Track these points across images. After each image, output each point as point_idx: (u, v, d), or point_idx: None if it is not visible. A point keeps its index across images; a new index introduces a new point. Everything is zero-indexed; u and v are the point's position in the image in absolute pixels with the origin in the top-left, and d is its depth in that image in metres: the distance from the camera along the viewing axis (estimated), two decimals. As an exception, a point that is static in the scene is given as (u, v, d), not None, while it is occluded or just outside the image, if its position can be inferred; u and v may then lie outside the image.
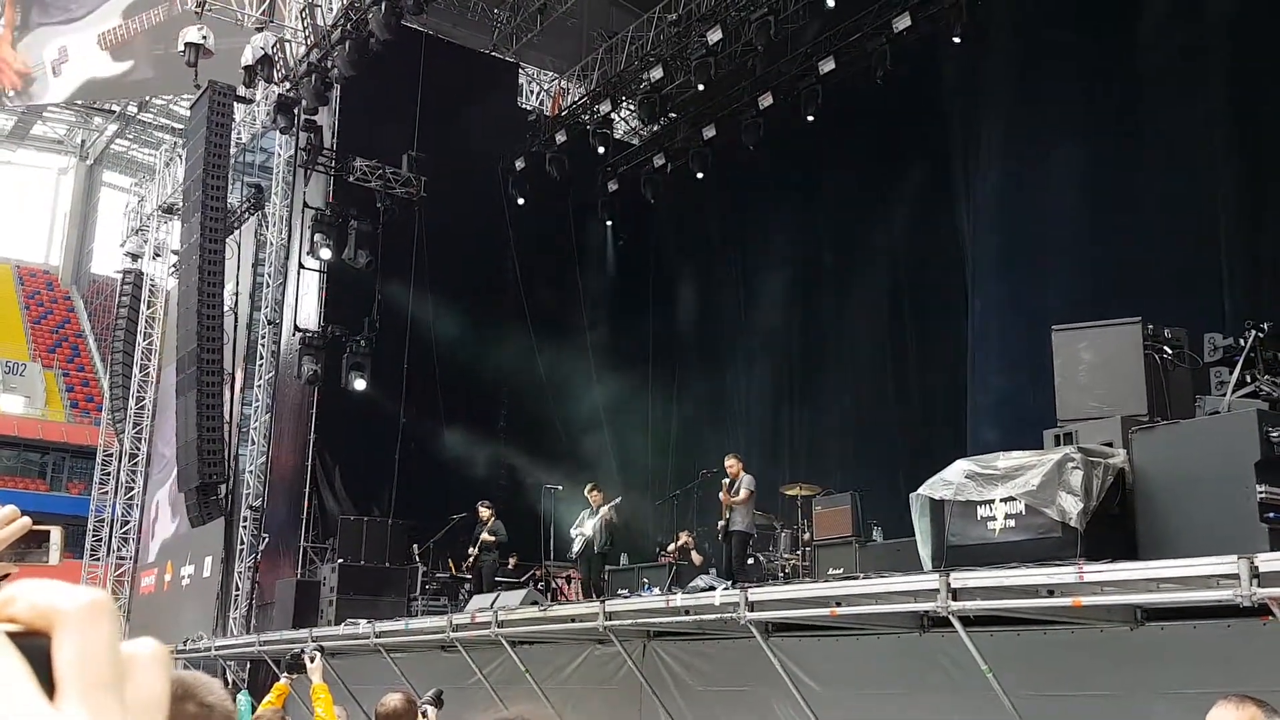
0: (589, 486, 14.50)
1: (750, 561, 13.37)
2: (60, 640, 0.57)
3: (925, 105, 17.89)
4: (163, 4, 23.25)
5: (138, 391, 27.67)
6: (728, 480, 12.64)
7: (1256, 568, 5.77)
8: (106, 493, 28.66)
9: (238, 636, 18.25)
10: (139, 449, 27.44)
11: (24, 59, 26.06)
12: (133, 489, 27.48)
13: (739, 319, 21.29)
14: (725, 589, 9.87)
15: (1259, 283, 13.26)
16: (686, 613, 9.68)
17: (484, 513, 15.55)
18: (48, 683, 0.57)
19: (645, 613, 10.29)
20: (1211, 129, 14.25)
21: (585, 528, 14.20)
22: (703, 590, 10.66)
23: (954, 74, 17.32)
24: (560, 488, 15.86)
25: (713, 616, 9.31)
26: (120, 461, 27.87)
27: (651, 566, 15.78)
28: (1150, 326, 8.17)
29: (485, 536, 15.35)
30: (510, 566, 17.60)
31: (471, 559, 15.58)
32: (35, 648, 0.57)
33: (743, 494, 12.31)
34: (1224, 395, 7.79)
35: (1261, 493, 6.77)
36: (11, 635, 0.58)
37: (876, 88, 17.51)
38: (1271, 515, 6.78)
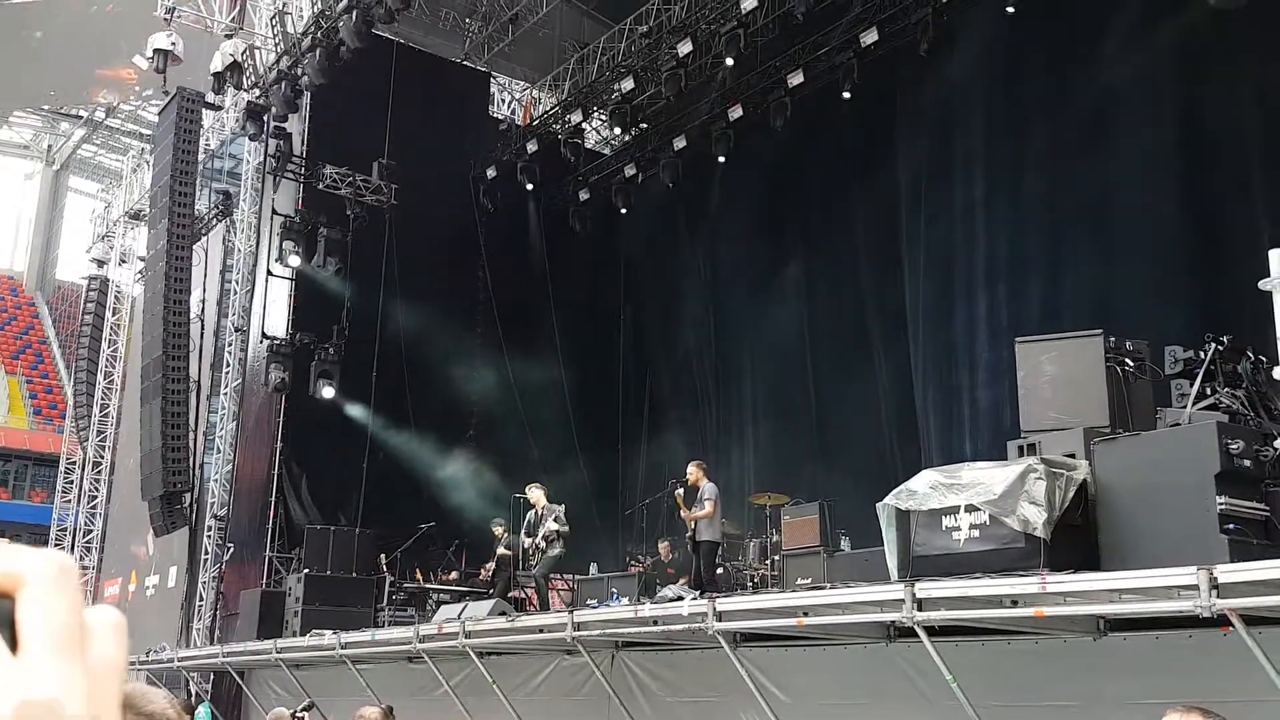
0: (529, 486, 13.56)
1: (719, 570, 13.35)
2: (24, 600, 0.58)
3: (894, 118, 18.04)
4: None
5: (102, 399, 27.39)
6: (683, 491, 12.41)
7: (1215, 579, 5.83)
8: (69, 501, 28.34)
9: (201, 647, 18.08)
10: (103, 457, 27.15)
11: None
12: (96, 497, 27.18)
13: (708, 328, 21.36)
14: (693, 599, 9.88)
15: (1219, 296, 13.45)
16: (654, 623, 9.67)
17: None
18: (11, 643, 0.58)
19: (613, 623, 10.28)
20: (1174, 147, 14.48)
21: (535, 534, 13.16)
22: (671, 600, 10.66)
23: (923, 88, 17.47)
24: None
25: (680, 627, 9.31)
26: (83, 470, 27.57)
27: (621, 576, 15.77)
28: (1112, 339, 8.27)
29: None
30: (481, 577, 17.53)
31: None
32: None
33: (707, 507, 12.20)
34: (1185, 407, 7.88)
35: (1221, 504, 6.86)
36: None
37: (845, 100, 17.66)
38: (1231, 526, 6.87)
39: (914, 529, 8.06)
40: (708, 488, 12.29)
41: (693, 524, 12.29)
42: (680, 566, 14.77)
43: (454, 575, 17.85)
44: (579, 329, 22.25)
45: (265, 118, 19.16)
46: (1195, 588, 5.89)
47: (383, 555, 16.96)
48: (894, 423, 17.53)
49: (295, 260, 18.99)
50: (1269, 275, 7.82)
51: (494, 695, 11.42)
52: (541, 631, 10.91)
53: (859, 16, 17.16)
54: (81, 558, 26.97)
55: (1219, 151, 14.19)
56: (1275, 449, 7.13)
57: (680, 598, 10.58)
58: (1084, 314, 13.11)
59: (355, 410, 19.06)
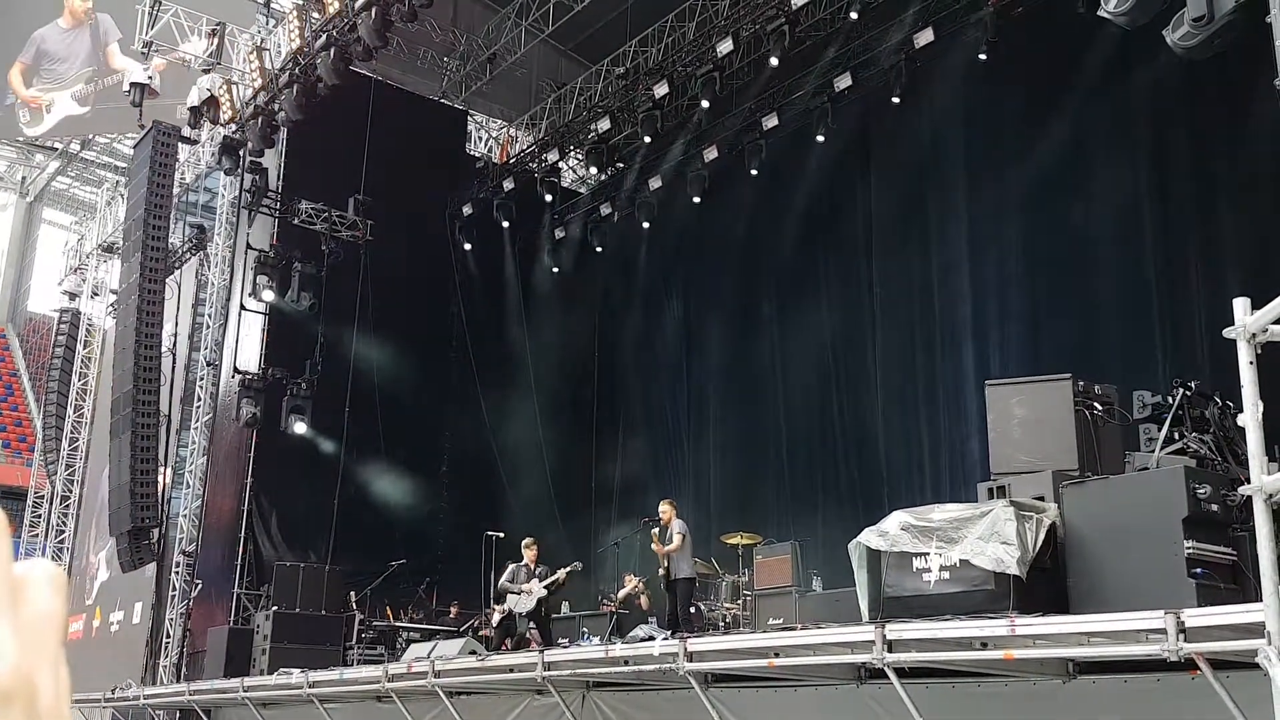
0: (527, 541, 14.20)
1: (692, 610, 13.33)
2: None
3: (868, 162, 18.23)
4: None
5: (71, 432, 27.12)
6: (658, 529, 12.53)
7: (1183, 623, 5.86)
8: (37, 535, 27.98)
9: (168, 685, 17.81)
10: (71, 491, 26.85)
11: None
12: (64, 531, 26.85)
13: (682, 366, 21.41)
14: (665, 639, 9.84)
15: (1188, 342, 13.61)
16: (625, 663, 9.62)
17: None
18: None
19: (584, 662, 10.21)
20: (1144, 193, 14.70)
21: (532, 588, 13.71)
22: (642, 640, 10.61)
23: (896, 133, 17.68)
24: (502, 534, 15.74)
25: (652, 667, 9.26)
26: (52, 503, 27.24)
27: (592, 615, 15.68)
28: (1080, 383, 8.34)
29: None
30: (451, 615, 17.40)
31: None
32: None
33: (675, 540, 12.24)
34: (1153, 452, 7.95)
35: (1189, 548, 6.91)
36: None
37: (819, 143, 17.85)
38: (1198, 571, 6.92)
39: (885, 570, 8.07)
40: (677, 524, 12.35)
41: (666, 561, 12.29)
42: (655, 601, 14.77)
43: (421, 614, 17.70)
44: (553, 366, 22.25)
45: (241, 152, 19.15)
46: (1163, 631, 5.91)
47: (352, 592, 16.81)
48: (865, 463, 17.57)
49: (269, 295, 18.92)
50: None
51: (463, 736, 11.30)
52: (512, 671, 10.83)
53: (833, 62, 17.37)
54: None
55: (1189, 198, 14.40)
56: (1241, 494, 7.20)
57: (651, 637, 10.54)
58: (1053, 359, 13.24)
59: (327, 446, 18.95)
